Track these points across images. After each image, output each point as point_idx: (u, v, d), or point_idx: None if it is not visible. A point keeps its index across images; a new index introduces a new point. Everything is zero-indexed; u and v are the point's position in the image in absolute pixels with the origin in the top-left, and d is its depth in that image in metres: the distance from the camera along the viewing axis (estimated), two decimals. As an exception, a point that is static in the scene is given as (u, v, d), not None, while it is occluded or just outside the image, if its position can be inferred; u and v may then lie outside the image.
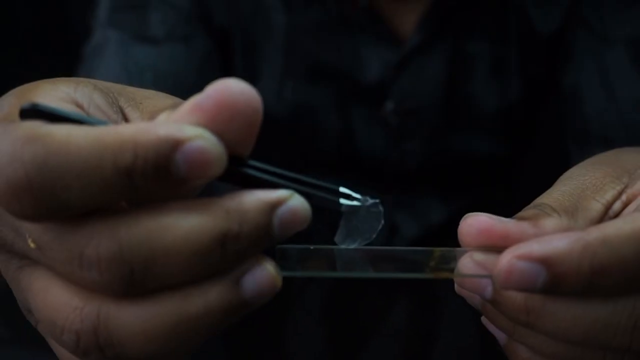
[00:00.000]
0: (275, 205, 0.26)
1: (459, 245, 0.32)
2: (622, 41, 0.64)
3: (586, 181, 0.34)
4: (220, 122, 0.25)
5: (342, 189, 0.29)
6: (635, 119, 0.63)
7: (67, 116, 0.25)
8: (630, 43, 0.64)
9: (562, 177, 0.36)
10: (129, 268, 0.24)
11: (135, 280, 0.25)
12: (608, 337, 0.29)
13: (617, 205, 0.34)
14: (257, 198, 0.26)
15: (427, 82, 0.66)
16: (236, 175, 0.27)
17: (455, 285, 0.34)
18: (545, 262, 0.28)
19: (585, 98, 0.65)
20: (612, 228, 0.28)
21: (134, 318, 0.26)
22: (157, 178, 0.24)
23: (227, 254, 0.25)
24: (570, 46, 0.66)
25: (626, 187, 0.34)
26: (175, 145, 0.24)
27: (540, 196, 0.34)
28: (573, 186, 0.34)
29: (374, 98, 0.67)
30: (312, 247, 0.30)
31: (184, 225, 0.25)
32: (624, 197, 0.34)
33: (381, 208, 0.31)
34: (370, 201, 0.31)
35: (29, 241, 0.26)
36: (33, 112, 0.25)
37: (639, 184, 0.34)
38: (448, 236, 0.75)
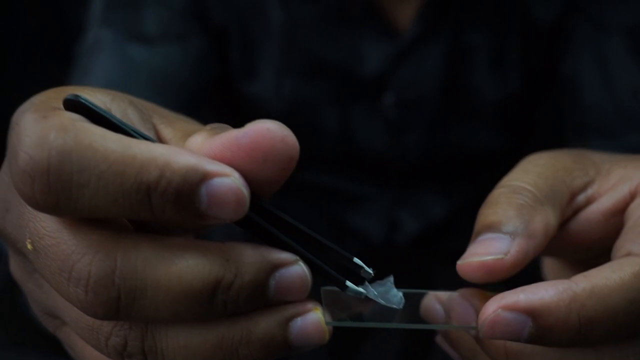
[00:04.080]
0: (276, 267, 0.26)
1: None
2: (621, 30, 0.63)
3: (557, 164, 0.34)
4: (253, 162, 0.25)
5: (356, 260, 0.28)
6: (632, 109, 0.63)
7: (106, 117, 0.25)
8: (628, 32, 0.63)
9: (529, 158, 0.35)
10: (116, 293, 0.24)
11: (119, 307, 0.24)
12: None
13: (581, 198, 0.33)
14: (259, 254, 0.25)
15: (427, 74, 0.66)
16: (250, 221, 0.26)
17: (438, 337, 0.33)
18: (532, 313, 0.27)
19: (583, 88, 0.65)
20: (600, 278, 0.28)
21: (182, 332, 0.26)
22: (175, 204, 0.23)
23: (215, 303, 0.25)
24: (569, 36, 0.66)
25: (592, 181, 0.33)
26: (203, 177, 0.23)
27: (511, 177, 0.33)
28: (546, 167, 0.33)
29: (373, 92, 0.66)
30: (363, 295, 0.29)
31: (181, 263, 0.24)
32: (589, 192, 0.33)
33: (391, 284, 0.30)
34: (380, 283, 0.30)
35: (27, 242, 0.26)
36: (75, 105, 0.25)
37: (606, 181, 0.33)
38: (449, 232, 0.74)
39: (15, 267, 0.30)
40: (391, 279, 0.29)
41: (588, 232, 0.33)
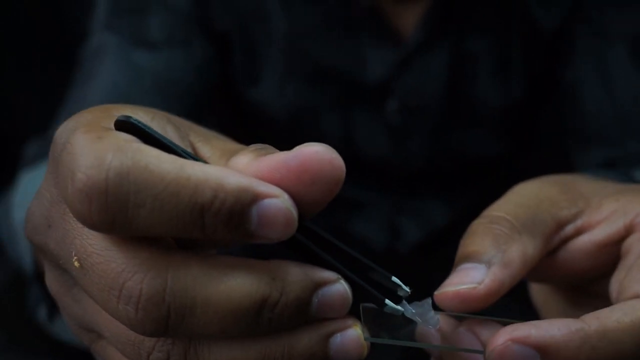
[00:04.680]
0: (319, 285, 0.26)
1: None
2: (623, 39, 0.64)
3: (541, 194, 0.34)
4: (301, 184, 0.25)
5: (394, 279, 0.29)
6: (633, 117, 0.63)
7: (159, 139, 0.26)
8: (630, 41, 0.64)
9: (514, 190, 0.36)
10: (166, 311, 0.24)
11: (168, 324, 0.25)
12: None
13: (570, 229, 0.34)
14: (304, 272, 0.26)
15: (430, 81, 0.66)
16: (294, 240, 0.26)
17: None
18: (542, 349, 0.28)
19: (585, 95, 0.65)
20: (612, 321, 0.28)
21: (224, 346, 0.26)
22: (227, 224, 0.24)
23: (261, 320, 0.25)
24: (571, 43, 0.66)
25: (581, 212, 0.34)
26: (255, 198, 0.24)
27: (494, 207, 0.34)
28: (528, 197, 0.34)
29: (376, 98, 0.67)
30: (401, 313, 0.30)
31: (230, 282, 0.25)
32: (578, 222, 0.34)
33: (429, 305, 0.30)
34: (419, 304, 0.30)
35: (74, 260, 0.26)
36: (127, 126, 0.25)
37: (597, 213, 0.34)
38: (451, 239, 0.74)
39: (53, 282, 0.30)
40: (429, 300, 0.30)
41: (579, 261, 0.34)
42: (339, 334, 0.27)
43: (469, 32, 0.65)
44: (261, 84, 0.67)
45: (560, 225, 0.34)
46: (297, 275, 0.26)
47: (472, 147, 0.70)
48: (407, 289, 0.29)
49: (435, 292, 0.31)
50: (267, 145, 0.27)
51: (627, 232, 0.33)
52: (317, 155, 0.25)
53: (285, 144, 0.74)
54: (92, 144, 0.24)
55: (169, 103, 0.61)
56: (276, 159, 0.25)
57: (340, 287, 0.27)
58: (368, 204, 0.72)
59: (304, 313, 0.26)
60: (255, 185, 0.24)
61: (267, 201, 0.24)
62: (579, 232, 0.34)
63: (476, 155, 0.70)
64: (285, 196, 0.25)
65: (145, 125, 0.25)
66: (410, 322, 0.30)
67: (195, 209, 0.23)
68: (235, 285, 0.25)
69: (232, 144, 0.29)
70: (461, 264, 0.31)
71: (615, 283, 0.33)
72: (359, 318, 0.28)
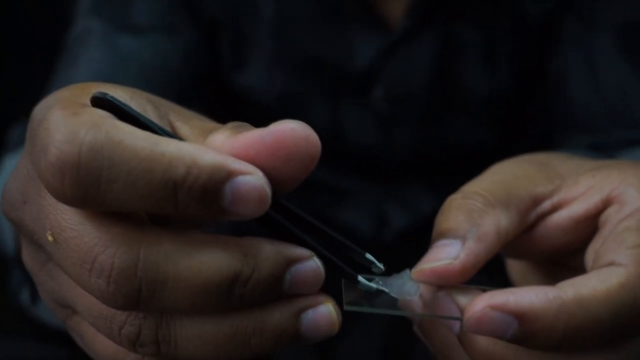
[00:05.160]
0: (292, 262, 0.27)
1: None
2: (610, 28, 0.64)
3: (517, 172, 0.35)
4: (277, 161, 0.26)
5: (368, 256, 0.30)
6: (619, 106, 0.63)
7: (135, 115, 0.26)
8: (618, 30, 0.64)
9: (491, 168, 0.36)
10: (138, 285, 0.25)
11: (139, 298, 0.25)
12: None
13: (547, 205, 0.35)
14: (277, 249, 0.26)
15: (417, 69, 0.66)
16: (268, 217, 0.27)
17: (414, 326, 0.34)
18: (519, 316, 0.28)
19: (571, 83, 0.65)
20: (588, 288, 0.29)
21: (196, 322, 0.26)
22: (200, 200, 0.24)
23: (232, 295, 0.26)
24: (559, 32, 0.66)
25: (558, 189, 0.35)
26: (229, 175, 0.24)
27: (469, 184, 0.35)
28: (504, 175, 0.35)
29: (363, 87, 0.66)
30: (376, 279, 0.31)
31: (201, 257, 0.25)
32: (555, 199, 0.35)
33: (408, 276, 0.31)
34: (398, 276, 0.31)
35: (48, 234, 0.26)
36: (103, 102, 0.26)
37: (574, 190, 0.34)
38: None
39: (28, 257, 0.30)
40: (408, 271, 0.31)
41: (557, 237, 0.35)
42: (310, 310, 0.27)
43: (456, 21, 0.65)
44: (249, 71, 0.67)
45: (537, 201, 0.34)
46: (269, 252, 0.26)
47: (459, 136, 0.70)
48: (381, 265, 0.30)
49: (412, 270, 0.31)
50: (244, 123, 0.28)
51: (604, 205, 0.33)
52: (292, 132, 0.26)
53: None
54: (67, 120, 0.24)
55: (155, 89, 0.61)
56: (252, 136, 0.26)
57: (312, 264, 0.27)
58: (355, 192, 0.72)
59: (276, 289, 0.26)
60: (229, 163, 0.24)
61: (240, 178, 0.25)
62: (555, 208, 0.35)
63: (463, 144, 0.70)
64: (259, 173, 0.25)
65: (121, 102, 0.26)
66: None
67: (168, 185, 0.24)
68: (207, 260, 0.25)
69: (211, 123, 0.30)
70: (436, 240, 0.32)
71: (591, 253, 0.33)
72: (335, 294, 0.29)
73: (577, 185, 0.35)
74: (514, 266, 0.40)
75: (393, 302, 0.31)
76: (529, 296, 0.28)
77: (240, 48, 0.67)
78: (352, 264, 0.29)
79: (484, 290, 0.31)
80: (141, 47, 0.62)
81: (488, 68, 0.67)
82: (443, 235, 0.32)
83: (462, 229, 0.31)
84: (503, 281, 0.40)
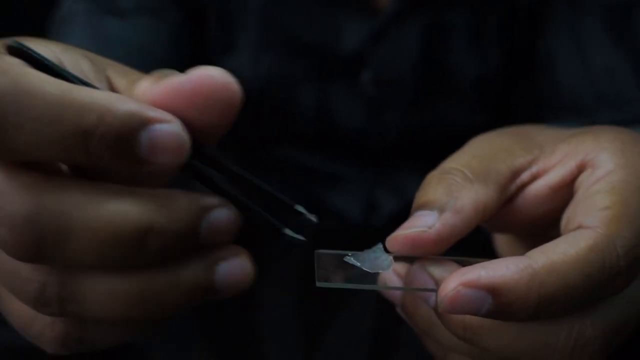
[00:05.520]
0: (206, 210, 0.26)
1: None
2: (598, 9, 0.63)
3: (496, 145, 0.35)
4: (195, 108, 0.25)
5: (298, 207, 0.29)
6: (606, 87, 0.63)
7: (47, 63, 0.25)
8: (605, 12, 0.63)
9: (470, 142, 0.36)
10: (39, 235, 0.24)
11: (44, 250, 0.24)
12: (546, 356, 0.30)
13: (526, 175, 0.35)
14: (191, 199, 0.26)
15: (405, 52, 0.65)
16: (190, 168, 0.26)
17: (397, 307, 0.35)
18: (492, 290, 0.28)
19: (558, 65, 0.65)
20: (558, 254, 0.29)
21: (104, 277, 0.26)
22: (114, 149, 0.24)
23: (148, 248, 0.25)
24: (547, 13, 0.66)
25: (536, 159, 0.35)
26: (143, 122, 0.24)
27: (449, 159, 0.35)
28: (483, 149, 0.35)
29: (351, 70, 0.66)
30: (349, 254, 0.31)
31: (111, 207, 0.24)
32: (534, 169, 0.35)
33: (381, 250, 0.31)
34: (371, 250, 0.31)
35: None
36: (19, 52, 0.25)
37: (551, 158, 0.34)
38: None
39: None
40: (380, 245, 0.31)
41: (536, 206, 0.35)
42: (224, 262, 0.27)
43: (444, 4, 0.64)
44: (236, 54, 0.66)
45: (516, 173, 0.34)
46: (184, 202, 0.26)
47: (448, 120, 0.69)
48: (313, 218, 0.29)
49: (388, 238, 0.31)
50: (171, 71, 0.27)
51: (579, 171, 0.33)
52: (210, 79, 0.25)
53: (260, 116, 0.75)
54: None
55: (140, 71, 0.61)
56: (170, 83, 0.25)
57: (227, 211, 0.27)
58: (344, 177, 0.71)
59: (192, 239, 0.26)
60: (144, 110, 0.24)
61: (157, 126, 0.24)
62: (534, 178, 0.35)
63: (453, 128, 0.70)
64: (177, 121, 0.25)
65: (34, 51, 0.25)
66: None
67: (78, 132, 0.23)
68: (117, 210, 0.24)
69: (146, 75, 0.29)
70: (414, 212, 0.32)
71: (564, 219, 0.33)
72: (309, 271, 0.29)
73: (554, 154, 0.34)
74: (500, 240, 0.40)
75: (366, 277, 0.31)
76: (501, 269, 0.28)
77: (227, 31, 0.66)
78: (282, 217, 0.29)
79: (459, 262, 0.31)
80: (125, 29, 0.62)
81: (476, 50, 0.66)
82: (421, 207, 0.32)
83: (440, 201, 0.32)
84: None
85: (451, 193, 0.32)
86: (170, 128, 0.24)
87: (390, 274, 0.33)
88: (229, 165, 0.27)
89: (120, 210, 0.24)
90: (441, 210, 0.31)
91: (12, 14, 1.33)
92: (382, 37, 0.65)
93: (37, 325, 0.28)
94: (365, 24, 0.64)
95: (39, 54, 0.25)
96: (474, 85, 0.68)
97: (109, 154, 0.24)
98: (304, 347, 0.63)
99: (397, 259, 0.31)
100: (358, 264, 0.30)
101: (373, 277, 0.31)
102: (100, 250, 0.24)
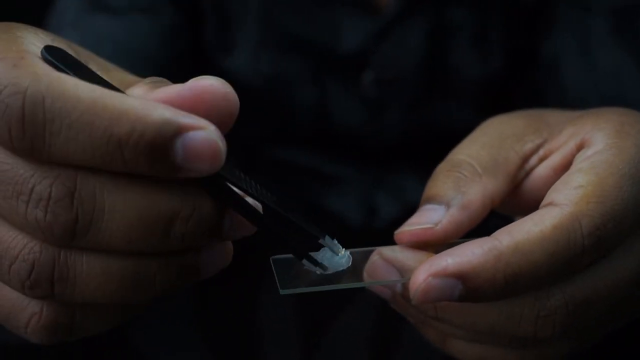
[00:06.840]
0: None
1: None
2: (604, 12, 0.63)
3: (506, 130, 0.35)
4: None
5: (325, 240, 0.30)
6: (612, 90, 0.63)
7: (83, 69, 0.26)
8: (612, 14, 0.63)
9: (482, 126, 0.37)
10: (74, 214, 0.24)
11: (76, 229, 0.25)
12: (513, 326, 0.30)
13: (534, 160, 0.35)
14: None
15: (407, 52, 0.64)
16: (218, 181, 0.26)
17: (390, 304, 0.35)
18: (461, 277, 0.28)
19: (564, 67, 0.64)
20: (523, 233, 0.29)
21: (101, 256, 0.26)
22: (149, 157, 0.24)
23: (173, 235, 0.25)
24: (552, 15, 0.65)
25: (545, 142, 0.35)
26: (177, 130, 0.24)
27: (459, 147, 0.35)
28: (493, 136, 0.35)
29: (352, 69, 0.65)
30: (305, 259, 0.30)
31: (137, 190, 0.25)
32: (541, 152, 0.35)
33: (338, 246, 0.31)
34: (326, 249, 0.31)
35: None
36: (53, 55, 0.25)
37: (557, 140, 0.35)
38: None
39: None
40: (335, 241, 0.31)
41: (541, 188, 0.35)
42: (189, 132, 0.25)
43: (447, 3, 0.64)
44: (235, 53, 0.66)
45: (525, 159, 0.35)
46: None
47: (449, 120, 0.68)
48: (342, 250, 0.30)
49: (396, 232, 0.32)
50: (162, 79, 0.27)
51: (578, 150, 0.33)
52: (211, 88, 0.25)
53: (259, 115, 0.75)
54: (8, 72, 0.24)
55: (130, 70, 0.61)
56: (170, 91, 0.25)
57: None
58: (344, 179, 0.71)
59: (216, 231, 0.27)
60: (178, 118, 0.24)
61: (191, 133, 0.24)
62: (541, 161, 0.35)
63: (454, 129, 0.69)
64: (212, 127, 0.24)
65: (68, 54, 0.26)
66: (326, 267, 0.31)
67: (111, 140, 0.23)
68: (142, 195, 0.25)
69: (130, 77, 0.29)
70: (423, 205, 0.32)
71: (546, 195, 0.33)
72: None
73: (561, 135, 0.35)
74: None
75: (328, 277, 0.31)
76: (467, 254, 0.29)
77: (226, 30, 0.66)
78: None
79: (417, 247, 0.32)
80: (116, 27, 0.61)
81: (478, 51, 0.66)
82: (429, 200, 0.32)
83: (447, 196, 0.32)
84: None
85: (459, 188, 0.32)
86: (205, 135, 0.24)
87: (379, 264, 0.33)
88: (242, 175, 0.27)
89: (145, 195, 0.25)
90: (448, 205, 0.32)
91: (9, 11, 1.33)
92: (384, 37, 0.64)
93: (24, 314, 0.28)
94: (366, 24, 0.63)
95: (72, 57, 0.26)
96: (476, 86, 0.67)
97: (145, 162, 0.24)
98: (304, 348, 0.63)
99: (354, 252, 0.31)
100: (315, 268, 0.30)
101: (336, 276, 0.31)
102: (128, 233, 0.25)
